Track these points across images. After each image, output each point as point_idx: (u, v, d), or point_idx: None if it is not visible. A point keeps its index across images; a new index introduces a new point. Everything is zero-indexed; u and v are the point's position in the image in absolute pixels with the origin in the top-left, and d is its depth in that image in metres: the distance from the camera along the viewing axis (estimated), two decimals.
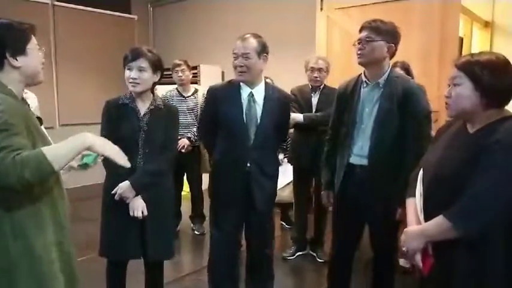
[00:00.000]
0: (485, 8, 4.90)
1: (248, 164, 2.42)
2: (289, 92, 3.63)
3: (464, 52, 4.78)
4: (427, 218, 1.56)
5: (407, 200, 1.75)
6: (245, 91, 2.44)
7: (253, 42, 2.36)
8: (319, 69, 3.48)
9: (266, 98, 2.46)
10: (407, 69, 3.25)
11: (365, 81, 2.32)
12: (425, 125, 2.30)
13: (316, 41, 4.60)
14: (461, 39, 4.71)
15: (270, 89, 2.51)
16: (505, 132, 1.42)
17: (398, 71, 3.21)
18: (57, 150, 1.43)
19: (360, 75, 2.37)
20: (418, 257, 1.58)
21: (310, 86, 3.55)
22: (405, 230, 1.64)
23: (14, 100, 1.51)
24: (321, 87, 3.50)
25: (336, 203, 2.49)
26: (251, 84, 2.43)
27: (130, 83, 2.26)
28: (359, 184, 2.30)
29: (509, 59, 1.49)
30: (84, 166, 1.75)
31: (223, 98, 2.47)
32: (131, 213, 2.25)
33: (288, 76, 4.14)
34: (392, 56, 2.29)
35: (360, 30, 2.28)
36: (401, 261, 3.38)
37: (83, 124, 5.80)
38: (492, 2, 4.88)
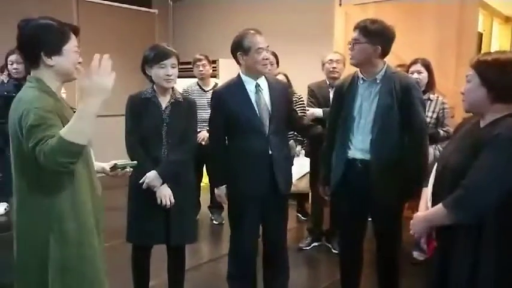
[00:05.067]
0: (506, 3, 4.87)
1: (270, 152, 2.49)
2: (306, 88, 3.74)
3: (484, 48, 4.77)
4: (434, 205, 1.69)
5: (423, 189, 1.88)
6: (250, 84, 2.51)
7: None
8: (337, 61, 3.57)
9: (270, 87, 2.56)
10: (427, 66, 3.30)
11: (362, 77, 2.38)
12: (423, 116, 2.41)
13: (335, 36, 4.65)
14: (481, 35, 4.70)
15: (269, 78, 2.62)
16: (505, 127, 1.52)
17: (419, 67, 3.27)
18: (72, 128, 1.45)
19: (356, 72, 2.44)
20: (423, 240, 1.75)
21: (328, 82, 3.62)
22: (414, 215, 1.79)
23: (51, 98, 1.61)
24: None
25: (335, 197, 2.56)
26: (255, 77, 2.52)
27: (165, 79, 2.38)
28: (360, 178, 2.36)
29: None
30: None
31: (230, 97, 2.51)
32: (159, 202, 2.37)
33: (305, 72, 4.19)
34: (383, 55, 2.32)
35: (354, 30, 2.34)
36: (415, 254, 3.46)
37: (104, 116, 5.95)
38: None
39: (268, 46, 2.47)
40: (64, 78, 1.70)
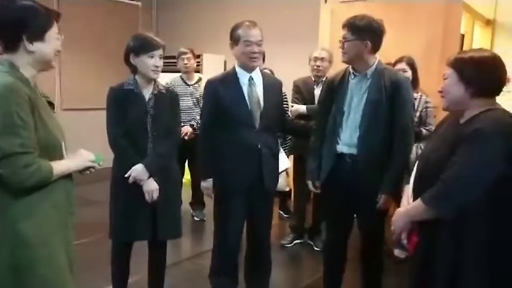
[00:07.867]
0: (487, 7, 4.94)
1: (259, 146, 2.47)
2: (291, 84, 3.72)
3: (465, 49, 4.84)
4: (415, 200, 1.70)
5: (405, 187, 1.90)
6: (244, 76, 2.49)
7: (259, 30, 2.44)
8: (322, 59, 3.55)
9: (264, 82, 2.54)
10: (412, 65, 3.31)
11: (353, 72, 2.38)
12: (412, 115, 2.41)
13: (320, 33, 4.63)
14: (463, 36, 4.77)
15: (264, 73, 2.62)
16: (484, 121, 1.55)
17: (404, 65, 3.28)
18: (62, 169, 1.59)
19: (348, 67, 2.43)
20: (404, 236, 1.77)
21: (313, 78, 3.61)
22: (395, 211, 1.80)
23: (24, 85, 1.50)
24: (324, 79, 3.56)
25: (324, 191, 2.54)
26: (250, 70, 2.49)
27: (153, 70, 2.32)
28: (348, 172, 2.35)
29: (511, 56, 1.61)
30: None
31: (223, 88, 2.49)
32: (147, 197, 2.32)
33: (290, 68, 4.18)
34: (374, 50, 2.31)
35: (343, 28, 2.33)
36: (396, 252, 3.48)
37: (85, 109, 5.84)
38: (495, 1, 4.93)
39: (261, 40, 2.43)
40: (42, 66, 1.59)
